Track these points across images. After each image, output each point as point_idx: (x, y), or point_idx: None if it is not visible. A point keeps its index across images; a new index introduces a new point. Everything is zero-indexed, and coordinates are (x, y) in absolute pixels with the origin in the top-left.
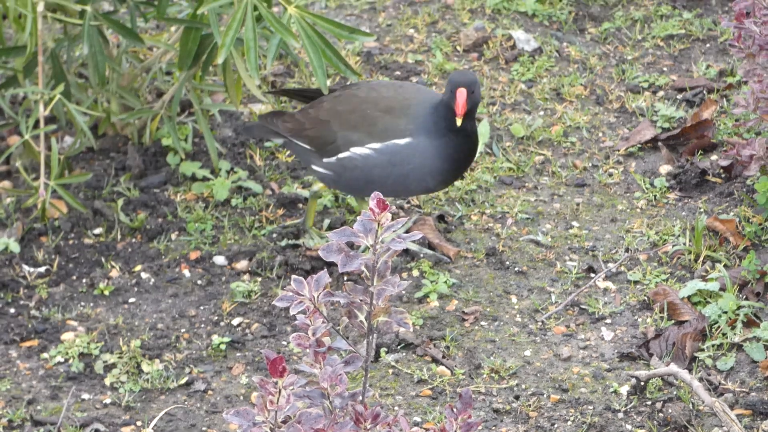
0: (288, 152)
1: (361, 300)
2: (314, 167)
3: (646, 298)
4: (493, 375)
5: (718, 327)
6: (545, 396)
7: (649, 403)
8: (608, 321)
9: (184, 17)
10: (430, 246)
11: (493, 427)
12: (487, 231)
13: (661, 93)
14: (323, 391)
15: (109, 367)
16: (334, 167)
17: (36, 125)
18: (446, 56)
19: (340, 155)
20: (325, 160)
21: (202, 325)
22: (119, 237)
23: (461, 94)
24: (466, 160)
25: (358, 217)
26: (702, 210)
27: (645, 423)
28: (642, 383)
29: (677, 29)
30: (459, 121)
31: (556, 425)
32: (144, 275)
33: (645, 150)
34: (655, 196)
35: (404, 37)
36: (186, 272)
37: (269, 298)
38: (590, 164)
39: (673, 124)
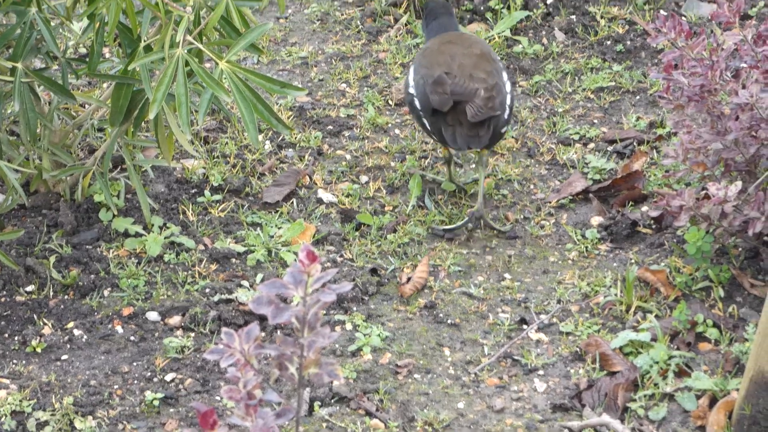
0: (221, 207)
1: (291, 352)
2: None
3: (578, 349)
4: (426, 428)
5: (650, 377)
6: None
7: None
8: (541, 372)
9: (115, 73)
10: None
11: None
12: None
13: (591, 145)
14: None
15: (41, 425)
16: None
17: None
18: (378, 110)
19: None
20: None
21: (135, 381)
22: (51, 294)
23: None
24: None
25: (288, 269)
26: (633, 261)
27: None
28: None
29: (607, 81)
30: None
31: None
32: (77, 332)
33: (576, 202)
34: (586, 247)
35: (336, 91)
36: (119, 328)
37: (202, 353)
38: (522, 216)
39: (604, 175)
